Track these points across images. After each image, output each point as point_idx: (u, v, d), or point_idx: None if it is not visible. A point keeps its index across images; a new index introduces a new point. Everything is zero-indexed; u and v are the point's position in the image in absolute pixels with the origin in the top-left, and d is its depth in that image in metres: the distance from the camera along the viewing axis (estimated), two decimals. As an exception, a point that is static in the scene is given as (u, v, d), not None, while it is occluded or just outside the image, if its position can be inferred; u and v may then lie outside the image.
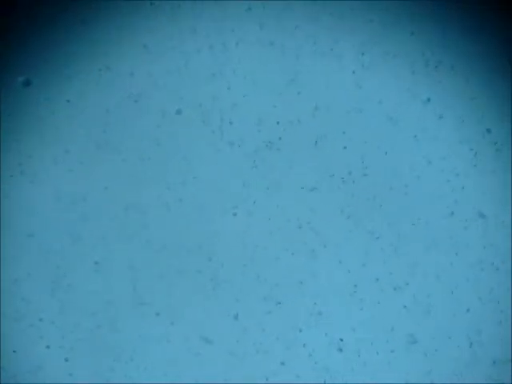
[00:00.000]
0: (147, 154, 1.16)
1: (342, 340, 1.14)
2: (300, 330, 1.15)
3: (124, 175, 1.16)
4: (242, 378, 1.14)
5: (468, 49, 1.15)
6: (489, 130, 1.15)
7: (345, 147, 1.16)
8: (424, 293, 1.14)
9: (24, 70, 1.14)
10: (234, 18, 1.15)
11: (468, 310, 1.14)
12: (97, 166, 1.15)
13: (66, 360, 1.12)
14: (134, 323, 1.14)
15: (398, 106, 1.16)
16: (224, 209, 1.16)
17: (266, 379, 1.14)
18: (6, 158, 1.14)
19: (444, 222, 1.15)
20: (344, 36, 1.16)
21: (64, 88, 1.15)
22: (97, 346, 1.14)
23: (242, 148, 1.16)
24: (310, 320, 1.15)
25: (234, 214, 1.15)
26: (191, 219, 1.16)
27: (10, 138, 1.14)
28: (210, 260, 1.15)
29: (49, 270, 1.14)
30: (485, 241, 1.14)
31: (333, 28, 1.15)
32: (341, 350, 1.15)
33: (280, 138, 1.16)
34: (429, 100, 1.15)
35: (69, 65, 1.15)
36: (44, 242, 1.14)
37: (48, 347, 1.13)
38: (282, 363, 1.14)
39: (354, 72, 1.15)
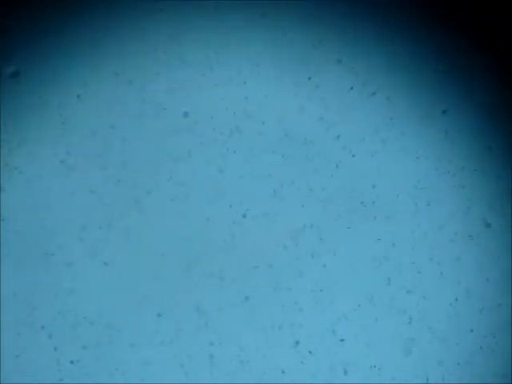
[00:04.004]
0: (154, 155, 1.14)
1: (342, 340, 1.16)
2: (300, 330, 1.16)
3: (130, 174, 1.13)
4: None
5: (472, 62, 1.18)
6: (491, 144, 1.18)
7: (353, 155, 1.17)
8: (427, 302, 1.17)
9: (14, 62, 1.10)
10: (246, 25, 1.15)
11: (470, 319, 1.17)
12: (103, 165, 1.13)
13: (72, 362, 1.10)
14: (136, 324, 1.12)
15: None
16: (232, 212, 1.15)
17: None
18: (5, 157, 1.10)
19: (448, 231, 1.18)
20: (350, 45, 1.17)
21: (72, 85, 1.11)
22: (101, 348, 1.11)
23: (247, 153, 1.16)
24: (310, 323, 1.16)
25: (244, 216, 1.15)
26: (197, 221, 1.15)
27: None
28: (214, 261, 1.15)
29: (51, 271, 1.11)
30: (489, 250, 1.17)
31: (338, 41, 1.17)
32: (343, 354, 1.16)
33: (286, 147, 1.16)
34: (445, 112, 1.17)
35: (79, 64, 1.12)
36: (47, 244, 1.10)
37: (52, 350, 1.10)
38: (283, 371, 1.15)
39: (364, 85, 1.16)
